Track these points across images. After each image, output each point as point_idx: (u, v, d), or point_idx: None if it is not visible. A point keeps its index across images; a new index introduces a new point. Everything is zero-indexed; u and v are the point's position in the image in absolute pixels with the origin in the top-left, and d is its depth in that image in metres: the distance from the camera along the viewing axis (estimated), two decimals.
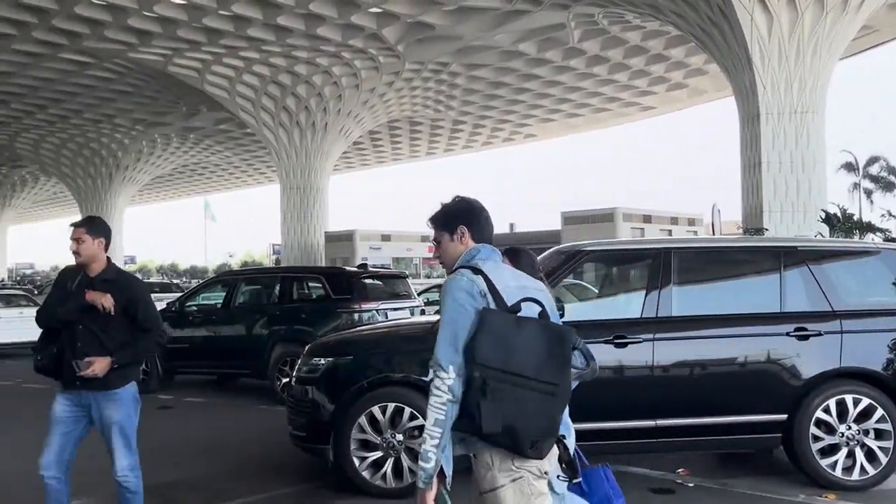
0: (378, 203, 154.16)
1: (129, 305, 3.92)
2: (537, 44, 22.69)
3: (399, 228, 31.68)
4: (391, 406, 4.85)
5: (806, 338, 5.00)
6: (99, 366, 3.79)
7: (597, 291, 6.33)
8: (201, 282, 11.30)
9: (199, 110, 29.81)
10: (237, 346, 9.24)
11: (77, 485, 4.64)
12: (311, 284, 9.80)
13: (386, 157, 43.68)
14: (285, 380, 8.37)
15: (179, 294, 22.41)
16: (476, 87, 27.46)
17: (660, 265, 5.10)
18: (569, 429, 2.85)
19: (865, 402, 4.97)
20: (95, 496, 5.29)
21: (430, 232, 2.71)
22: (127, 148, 34.89)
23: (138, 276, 36.83)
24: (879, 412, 4.96)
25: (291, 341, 8.67)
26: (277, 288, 9.53)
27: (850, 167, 42.07)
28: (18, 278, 47.86)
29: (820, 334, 5.00)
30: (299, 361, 5.40)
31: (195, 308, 9.91)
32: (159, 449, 6.69)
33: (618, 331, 4.87)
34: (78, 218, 4.60)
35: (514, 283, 2.49)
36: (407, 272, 13.52)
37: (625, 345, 4.84)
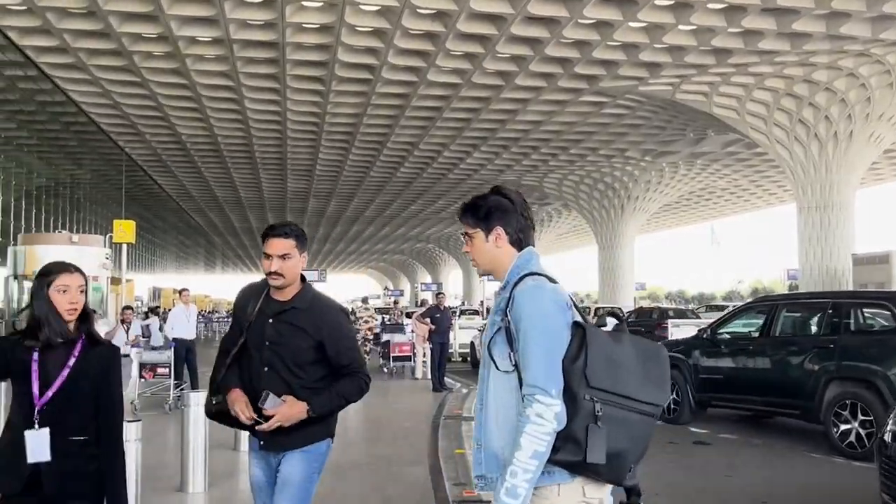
0: None
1: (324, 341, 2.99)
2: None
3: None
4: None
5: None
6: (287, 412, 2.87)
7: None
8: (734, 307, 10.59)
9: (706, 135, 29.44)
10: (778, 381, 8.28)
11: None
12: (871, 312, 8.29)
13: None
14: (844, 426, 7.18)
15: (696, 320, 22.23)
16: None
17: None
18: None
19: None
20: None
21: None
22: (637, 179, 36.44)
23: (627, 304, 36.24)
24: None
25: (851, 380, 7.40)
26: (827, 316, 8.17)
27: None
28: None
29: None
30: (894, 413, 4.37)
31: (728, 336, 9.29)
32: (710, 491, 6.29)
33: None
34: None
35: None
36: None
37: None
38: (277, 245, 2.95)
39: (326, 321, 2.99)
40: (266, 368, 2.95)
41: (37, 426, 2.53)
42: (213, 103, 25.22)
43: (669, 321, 21.65)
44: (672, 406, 9.59)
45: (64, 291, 2.61)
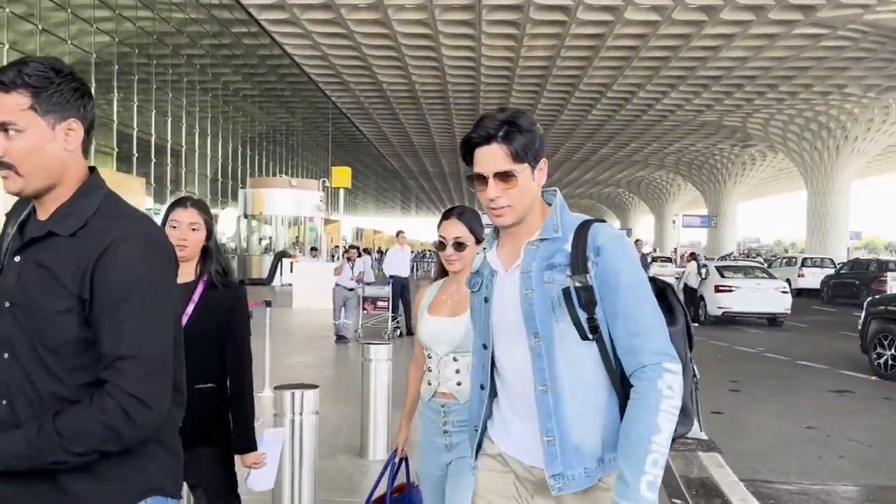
0: None
1: (92, 298, 1.42)
2: None
3: None
4: None
5: None
6: None
7: None
8: None
9: None
10: None
11: None
12: None
13: None
14: None
15: None
16: None
17: None
18: None
19: None
20: None
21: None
22: (856, 118, 33.11)
23: (845, 256, 32.86)
24: None
25: None
26: None
27: None
28: (745, 251, 51.11)
29: None
30: None
31: None
32: None
33: None
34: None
35: None
36: None
37: None
38: None
39: (101, 253, 1.41)
40: (6, 355, 1.47)
41: None
42: (411, 51, 26.23)
43: (889, 274, 19.83)
44: (890, 362, 9.05)
45: (174, 227, 2.43)
